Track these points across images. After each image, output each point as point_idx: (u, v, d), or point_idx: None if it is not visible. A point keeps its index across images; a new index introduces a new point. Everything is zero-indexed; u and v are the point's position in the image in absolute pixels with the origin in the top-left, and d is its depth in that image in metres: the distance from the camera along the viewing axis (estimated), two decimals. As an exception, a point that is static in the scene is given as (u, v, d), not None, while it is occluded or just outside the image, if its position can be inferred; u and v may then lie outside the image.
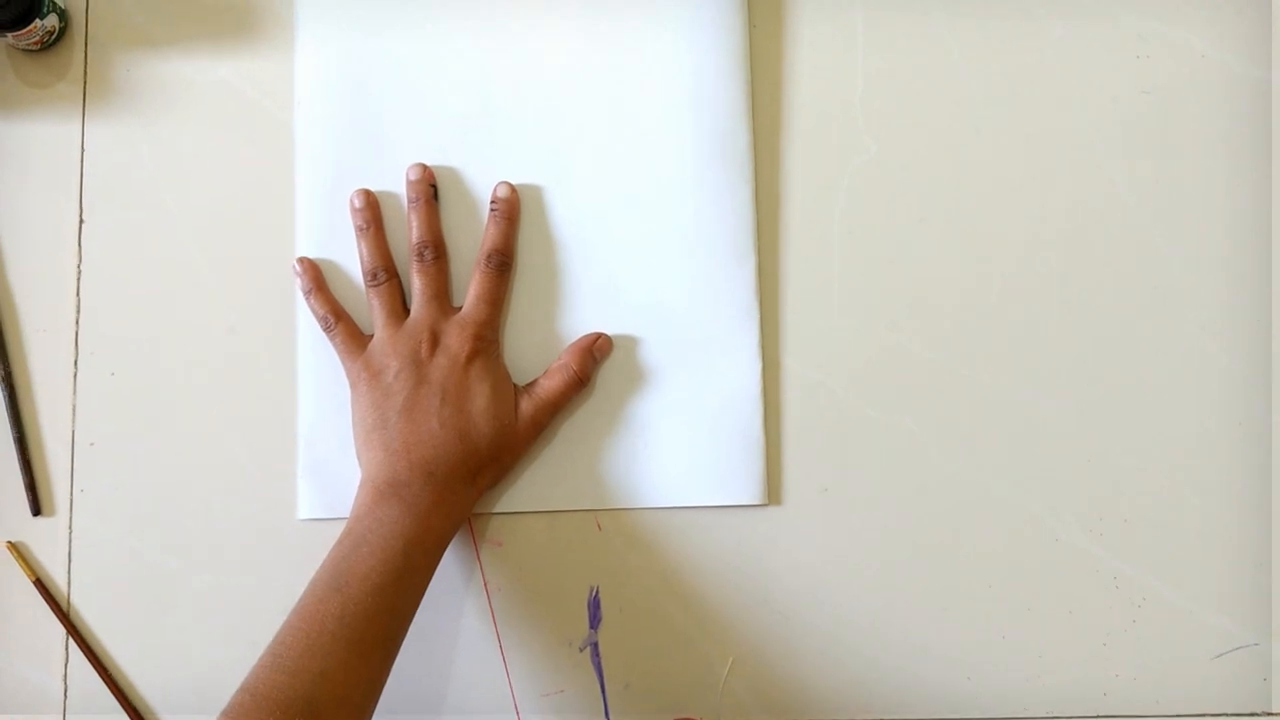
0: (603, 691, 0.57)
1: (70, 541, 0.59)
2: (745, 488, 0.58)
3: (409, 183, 0.59)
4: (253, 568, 0.58)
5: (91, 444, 0.59)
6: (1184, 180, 0.59)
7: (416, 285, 0.57)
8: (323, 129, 0.60)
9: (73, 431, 0.60)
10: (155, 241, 0.60)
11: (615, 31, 0.60)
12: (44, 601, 0.58)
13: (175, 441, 0.59)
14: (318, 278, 0.59)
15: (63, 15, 0.60)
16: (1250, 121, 0.60)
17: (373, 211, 0.59)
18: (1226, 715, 0.57)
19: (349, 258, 0.59)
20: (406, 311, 0.58)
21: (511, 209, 0.59)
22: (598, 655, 0.57)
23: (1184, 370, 0.58)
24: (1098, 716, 0.57)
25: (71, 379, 0.60)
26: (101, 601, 0.59)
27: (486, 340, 0.57)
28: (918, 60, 0.60)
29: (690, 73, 0.60)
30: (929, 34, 0.60)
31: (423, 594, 0.53)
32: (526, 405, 0.56)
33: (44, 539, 0.59)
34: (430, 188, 0.59)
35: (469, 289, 0.58)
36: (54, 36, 0.60)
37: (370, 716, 0.50)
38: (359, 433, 0.56)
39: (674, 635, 0.58)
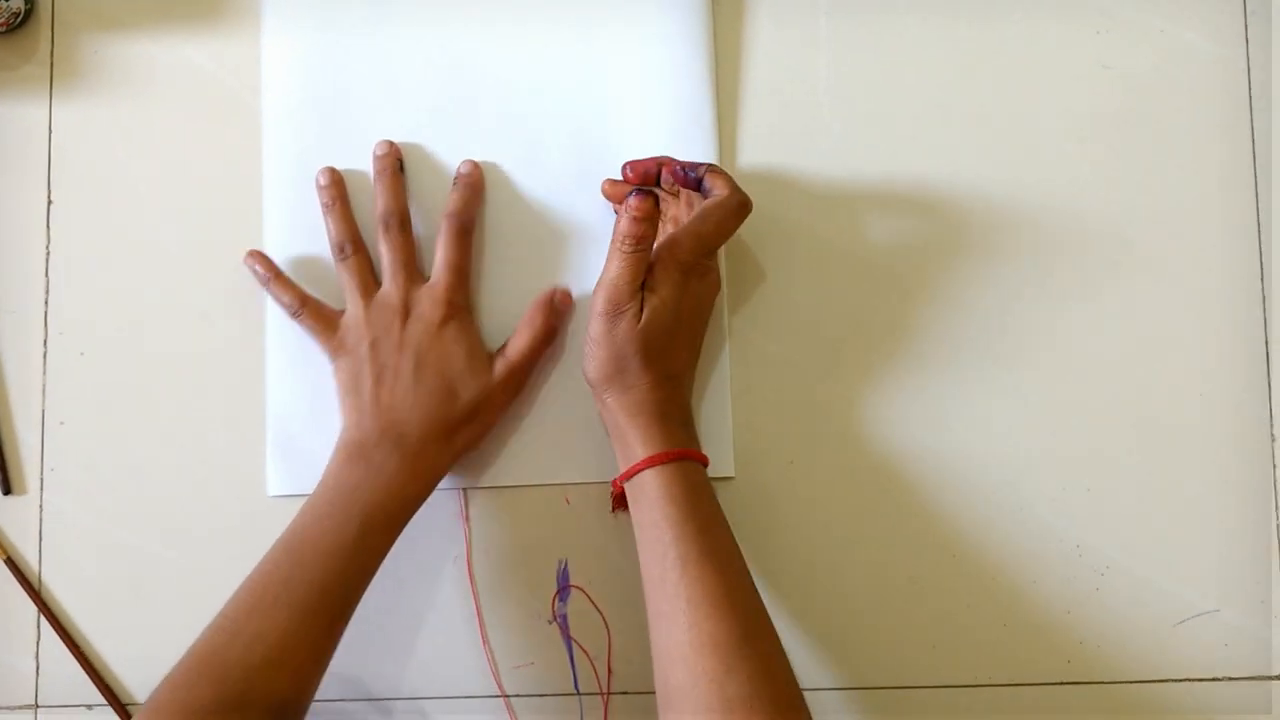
0: (571, 663, 0.58)
1: (41, 520, 0.59)
2: (715, 460, 0.58)
3: (375, 157, 0.59)
4: (223, 544, 0.59)
5: (61, 423, 0.60)
6: (1147, 156, 0.60)
7: (385, 256, 0.58)
8: (290, 110, 0.61)
9: (43, 411, 0.60)
10: (123, 222, 0.60)
11: (580, 15, 0.61)
12: (15, 580, 0.59)
13: (145, 420, 0.59)
14: (271, 266, 0.59)
15: (29, -3, 0.60)
16: (1211, 97, 0.60)
17: (338, 188, 0.59)
18: (1188, 680, 0.58)
19: (318, 237, 0.60)
20: (377, 284, 0.58)
21: (474, 182, 0.59)
22: (567, 627, 0.58)
23: (1145, 342, 0.59)
24: (1062, 683, 0.57)
25: (41, 359, 0.60)
26: (73, 580, 0.59)
27: (457, 305, 0.57)
28: (879, 43, 0.61)
29: (655, 53, 0.60)
30: (890, 14, 0.61)
31: (380, 560, 0.53)
32: (500, 365, 0.57)
33: (14, 518, 0.59)
34: (396, 161, 0.59)
35: (435, 258, 0.58)
36: (20, 19, 0.60)
37: (316, 683, 0.51)
38: (339, 398, 0.56)
39: (642, 607, 0.58)
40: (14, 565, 0.59)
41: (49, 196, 0.61)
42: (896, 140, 0.60)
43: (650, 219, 0.51)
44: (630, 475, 0.52)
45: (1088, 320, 0.59)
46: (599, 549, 0.58)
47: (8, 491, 0.59)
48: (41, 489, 0.59)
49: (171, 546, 0.59)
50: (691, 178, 0.55)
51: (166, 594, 0.59)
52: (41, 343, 0.60)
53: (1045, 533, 0.58)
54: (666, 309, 0.52)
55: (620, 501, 0.55)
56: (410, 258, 0.58)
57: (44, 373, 0.60)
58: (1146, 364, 0.59)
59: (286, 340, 0.59)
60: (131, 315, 0.60)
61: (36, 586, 0.59)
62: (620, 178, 0.58)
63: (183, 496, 0.59)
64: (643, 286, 0.52)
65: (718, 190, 0.54)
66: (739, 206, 0.54)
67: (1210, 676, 0.57)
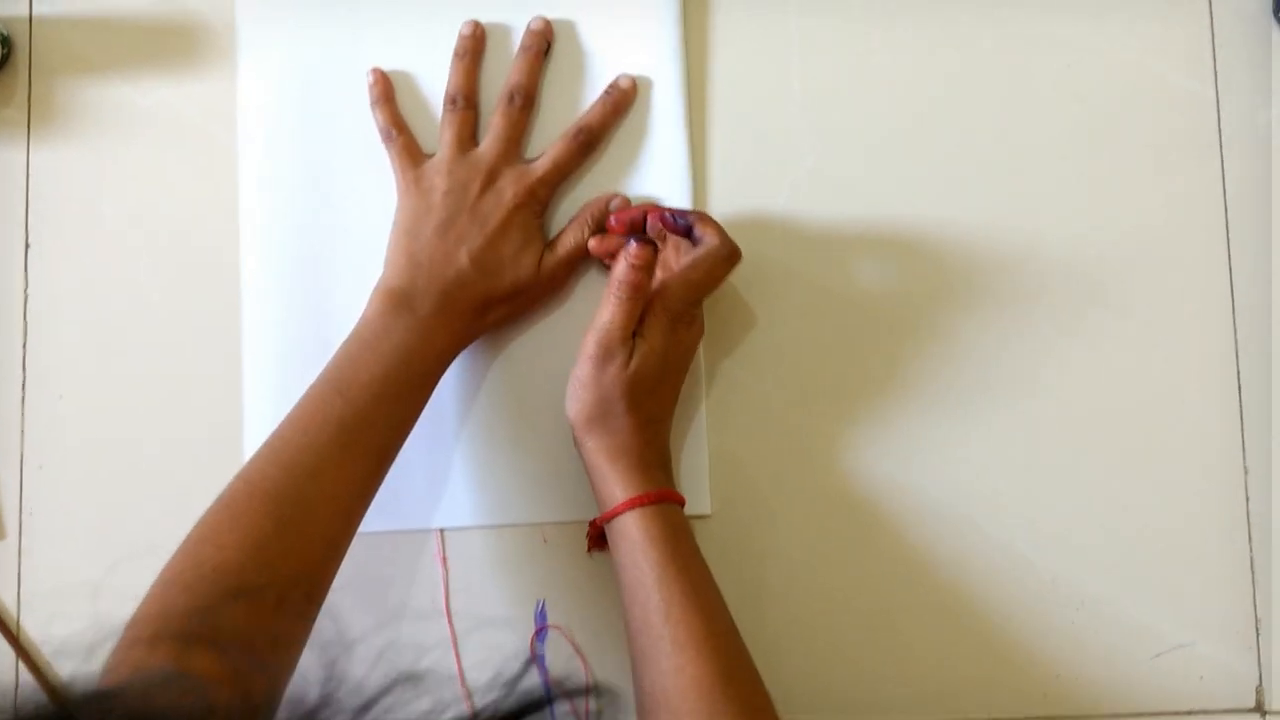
0: (549, 703, 0.58)
1: (20, 564, 0.59)
2: (691, 498, 0.58)
3: (527, 32, 0.60)
4: (203, 587, 0.59)
5: (40, 467, 0.60)
6: (1118, 189, 0.60)
7: (496, 124, 0.59)
8: (266, 150, 0.61)
9: (21, 454, 0.60)
10: (102, 265, 0.61)
11: (562, 53, 0.61)
12: (-6, 624, 0.59)
13: (124, 464, 0.60)
14: (387, 90, 0.60)
15: (5, 41, 0.61)
16: (1183, 130, 0.61)
17: (476, 43, 0.60)
18: (1165, 714, 0.58)
19: (296, 279, 0.60)
20: (474, 144, 0.59)
21: (621, 99, 0.60)
22: (545, 667, 0.58)
23: (1118, 376, 0.59)
24: (1039, 717, 0.58)
25: (20, 402, 0.60)
26: (49, 623, 0.59)
27: (537, 198, 0.58)
28: (852, 73, 0.61)
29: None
30: (863, 46, 0.61)
31: (421, 409, 0.54)
32: (549, 259, 0.58)
33: (-6, 562, 0.60)
34: (545, 42, 0.60)
35: (547, 150, 0.59)
36: (-3, 63, 0.61)
37: (359, 520, 0.51)
38: (391, 237, 0.57)
39: (622, 647, 0.58)
40: (-7, 609, 0.59)
41: (26, 240, 0.61)
42: (868, 179, 0.60)
43: (649, 268, 0.52)
44: (611, 517, 0.52)
45: (1062, 355, 0.59)
46: (577, 589, 0.58)
47: (-13, 535, 0.60)
48: (20, 533, 0.60)
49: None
50: (681, 225, 0.56)
51: (146, 637, 0.59)
52: (20, 386, 0.60)
53: (1022, 566, 0.58)
54: (655, 355, 0.53)
55: (597, 541, 0.56)
56: (519, 135, 0.59)
57: (22, 416, 0.60)
58: (1120, 398, 0.59)
59: (266, 384, 0.59)
60: (110, 358, 0.60)
61: (15, 631, 0.59)
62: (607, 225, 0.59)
63: (163, 540, 0.59)
64: (634, 333, 0.53)
65: (708, 239, 0.55)
66: (729, 255, 0.55)
67: (1187, 710, 0.58)
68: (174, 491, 0.59)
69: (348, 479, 0.51)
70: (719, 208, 0.60)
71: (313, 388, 0.52)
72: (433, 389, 0.55)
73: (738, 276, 0.60)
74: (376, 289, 0.56)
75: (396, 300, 0.55)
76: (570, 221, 0.59)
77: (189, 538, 0.48)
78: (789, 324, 0.60)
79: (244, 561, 0.47)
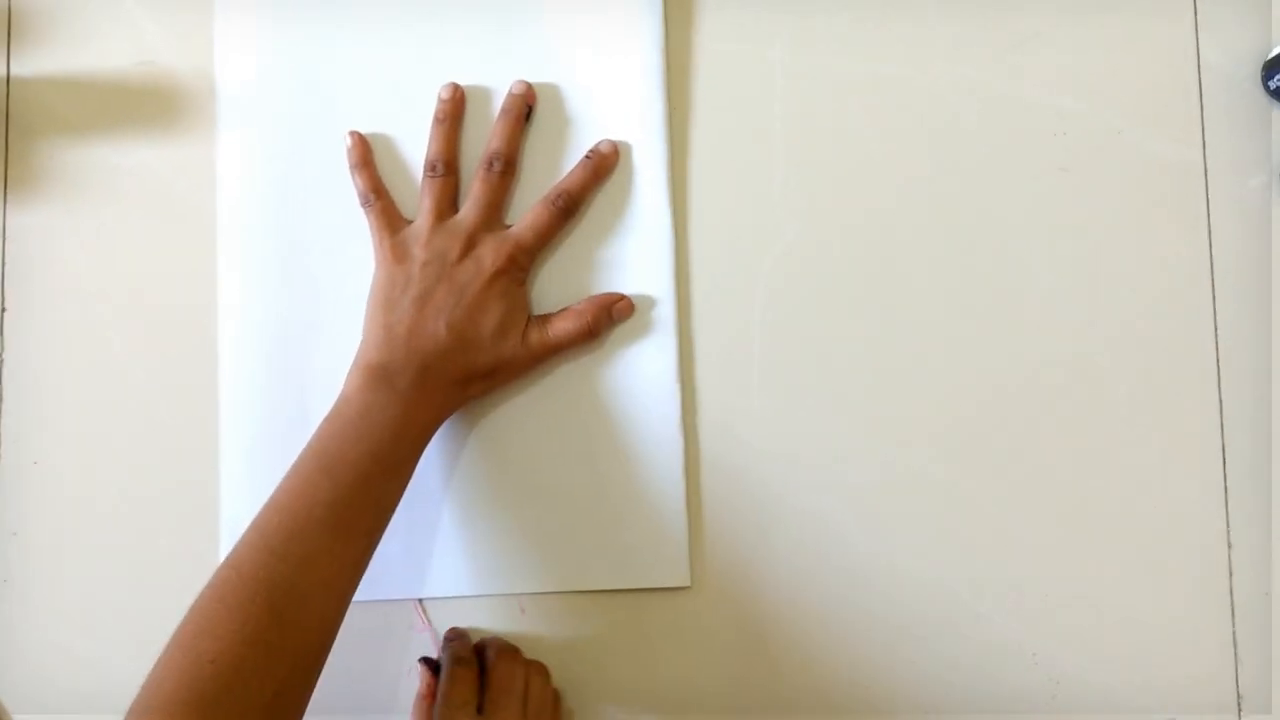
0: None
1: (-6, 632, 0.59)
2: (669, 570, 0.58)
3: (509, 96, 0.59)
4: (179, 654, 0.58)
5: (14, 534, 0.59)
6: (1104, 258, 0.60)
7: (475, 190, 0.58)
8: (245, 214, 0.60)
9: (-4, 521, 0.60)
10: (78, 329, 0.60)
11: (543, 118, 0.61)
12: (-32, 693, 0.59)
13: (99, 531, 0.59)
14: (365, 154, 0.60)
15: (-18, 104, 0.60)
16: (1170, 200, 0.60)
17: (456, 106, 0.60)
18: (1145, 791, 0.57)
19: (272, 345, 0.60)
20: (453, 211, 0.58)
21: (602, 163, 0.59)
22: (521, 741, 0.58)
23: (1101, 451, 0.59)
24: (1018, 794, 0.57)
25: (-5, 468, 0.60)
26: (24, 692, 0.59)
27: (519, 265, 0.57)
28: (836, 143, 0.60)
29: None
30: (847, 116, 0.60)
31: (407, 484, 0.54)
32: (535, 336, 0.57)
33: (-32, 629, 0.59)
34: (526, 106, 0.60)
35: (526, 215, 0.58)
36: (-27, 125, 0.60)
37: (349, 603, 0.51)
38: (369, 308, 0.57)
39: (600, 713, 0.58)
40: (-33, 677, 0.59)
41: (3, 303, 0.61)
42: (850, 252, 0.60)
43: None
44: None
45: (1042, 427, 0.59)
46: (555, 659, 0.58)
47: (-39, 603, 0.59)
48: (-5, 600, 0.59)
49: (129, 658, 0.59)
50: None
51: (121, 708, 0.58)
52: (-5, 452, 0.60)
53: (1000, 642, 0.58)
54: None
55: None
56: (499, 201, 0.59)
57: (-3, 482, 0.60)
58: (1102, 473, 0.59)
59: (243, 451, 0.59)
60: (86, 424, 0.60)
61: (-11, 700, 0.59)
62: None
63: (137, 607, 0.59)
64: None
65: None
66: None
67: (1167, 788, 0.57)
68: (151, 560, 0.59)
69: (340, 565, 0.50)
70: (699, 275, 0.60)
71: (297, 468, 0.52)
72: (417, 462, 0.55)
73: (717, 341, 0.59)
74: (355, 363, 0.55)
75: (376, 375, 0.54)
76: (568, 310, 0.58)
77: (184, 630, 0.47)
78: (768, 393, 0.59)
79: (243, 654, 0.46)
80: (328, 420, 0.53)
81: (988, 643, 0.58)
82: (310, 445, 0.52)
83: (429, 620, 0.59)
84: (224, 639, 0.46)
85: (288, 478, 0.52)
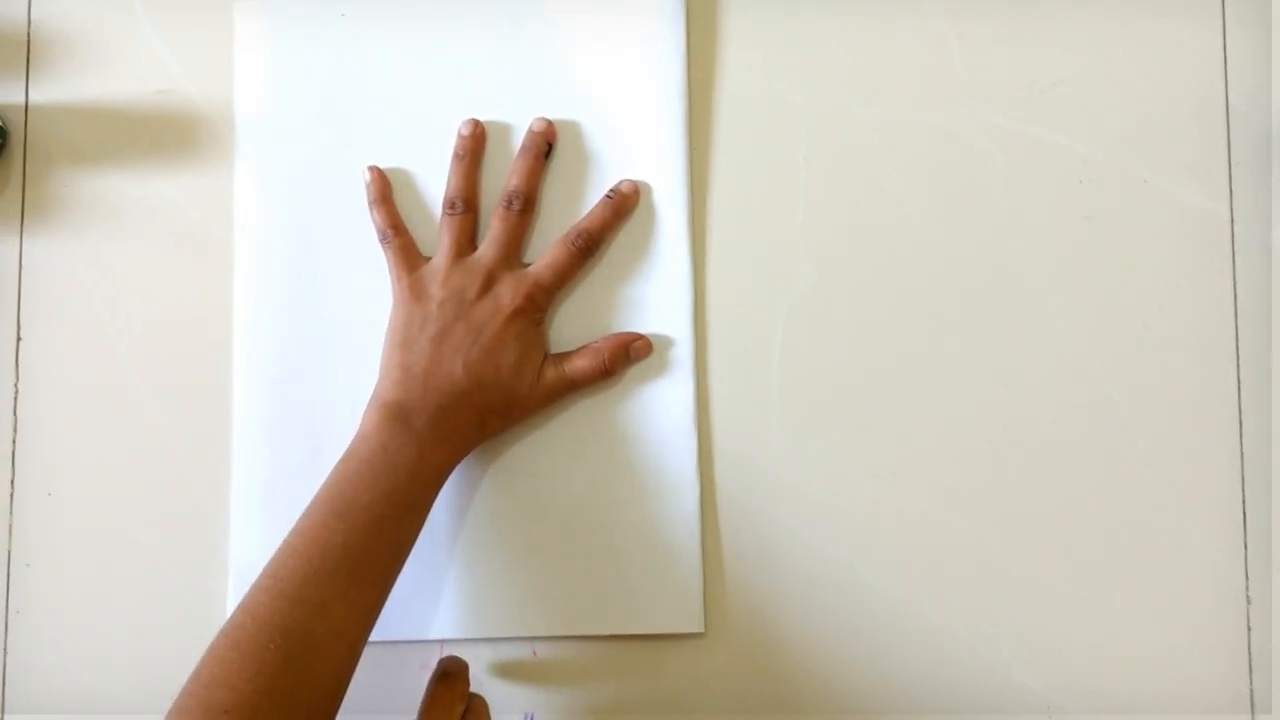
0: (535, 822, 0.57)
1: (5, 664, 0.59)
2: (683, 616, 0.58)
3: (529, 133, 0.59)
4: (189, 688, 0.58)
5: (28, 565, 0.59)
6: (1124, 308, 0.59)
7: (494, 228, 0.58)
8: (262, 247, 0.60)
9: (9, 552, 0.59)
10: (93, 360, 0.60)
11: (563, 155, 0.60)
12: (-22, 724, 0.59)
13: (112, 563, 0.59)
14: (384, 189, 0.59)
15: (1, 133, 0.60)
16: (1195, 251, 0.59)
17: (476, 143, 0.59)
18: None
19: (289, 377, 0.59)
20: (472, 249, 0.58)
21: (622, 204, 0.59)
22: (531, 785, 0.58)
23: (1121, 500, 0.58)
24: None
25: (8, 499, 0.60)
26: (36, 728, 0.59)
27: (537, 304, 0.57)
28: (858, 187, 0.60)
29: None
30: (870, 160, 0.60)
31: (421, 527, 0.54)
32: (551, 374, 0.57)
33: (-21, 660, 0.59)
34: (546, 144, 0.59)
35: (545, 254, 0.58)
36: (-9, 154, 0.60)
37: (363, 647, 0.51)
38: (386, 346, 0.56)
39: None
40: (-22, 708, 0.59)
41: (18, 333, 0.60)
42: (871, 298, 0.59)
43: None
44: None
45: (1064, 471, 0.58)
46: (567, 703, 0.58)
47: (-28, 634, 0.59)
48: (6, 632, 0.59)
49: (136, 692, 0.59)
50: None
51: (130, 742, 0.58)
52: (9, 482, 0.60)
53: (1017, 694, 0.57)
54: None
55: None
56: (518, 240, 0.58)
57: (10, 513, 0.60)
58: (1123, 524, 0.58)
59: (255, 486, 0.59)
60: (100, 456, 0.60)
61: (0, 732, 0.59)
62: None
63: (148, 640, 0.59)
64: None
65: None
66: None
67: (1180, 844, 0.57)
68: (163, 592, 0.59)
69: (354, 612, 0.50)
70: (717, 316, 0.59)
71: (312, 510, 0.51)
72: (432, 505, 0.54)
73: (734, 383, 0.59)
74: (372, 402, 0.55)
75: (393, 415, 0.54)
76: (585, 348, 0.58)
77: (199, 677, 0.47)
78: (785, 436, 0.59)
79: (258, 704, 0.46)
80: (343, 461, 0.53)
81: (1004, 696, 0.57)
82: (325, 487, 0.52)
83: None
84: (239, 689, 0.46)
85: (302, 520, 0.51)
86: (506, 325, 0.56)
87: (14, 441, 0.60)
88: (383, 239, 0.59)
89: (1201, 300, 0.59)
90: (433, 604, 0.58)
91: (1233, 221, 0.60)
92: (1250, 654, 0.58)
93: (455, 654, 0.56)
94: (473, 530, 0.58)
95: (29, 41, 0.61)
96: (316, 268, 0.60)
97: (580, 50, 0.60)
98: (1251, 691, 0.58)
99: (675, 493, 0.58)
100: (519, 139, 0.60)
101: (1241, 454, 0.59)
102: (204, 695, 0.46)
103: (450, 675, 0.53)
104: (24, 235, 0.61)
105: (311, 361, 0.60)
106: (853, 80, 0.60)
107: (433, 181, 0.60)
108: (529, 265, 0.58)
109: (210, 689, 0.46)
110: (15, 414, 0.60)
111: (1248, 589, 0.58)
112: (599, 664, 0.58)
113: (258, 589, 0.49)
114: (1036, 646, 0.58)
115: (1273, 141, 0.60)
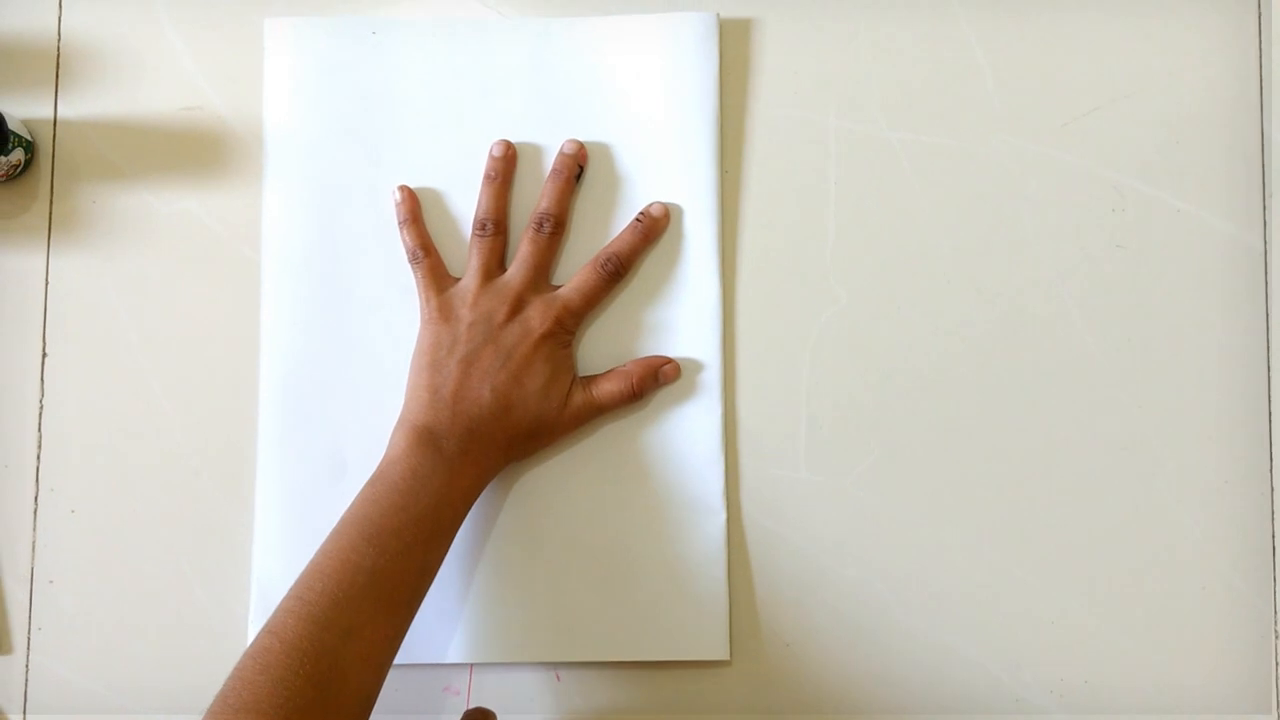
0: None
1: (27, 680, 0.59)
2: (708, 643, 0.57)
3: (560, 155, 0.59)
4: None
5: (50, 581, 0.59)
6: (1153, 336, 0.59)
7: (523, 251, 0.58)
8: (289, 264, 0.60)
9: (32, 569, 0.59)
10: (119, 377, 0.60)
11: (594, 177, 0.60)
12: (-1, 742, 0.58)
13: (134, 581, 0.59)
14: (414, 209, 0.59)
15: (29, 148, 0.59)
16: (1224, 278, 0.59)
17: (508, 165, 0.59)
18: None
19: (314, 396, 0.59)
20: (501, 270, 0.58)
21: (652, 227, 0.59)
22: (554, 811, 0.57)
23: (1149, 530, 0.58)
24: None
25: (32, 515, 0.59)
26: (56, 747, 0.58)
27: (566, 327, 0.57)
28: (889, 212, 0.59)
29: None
30: (901, 186, 0.60)
31: (447, 551, 0.53)
32: (579, 397, 0.57)
33: (1, 677, 0.59)
34: (578, 166, 0.59)
35: (574, 277, 0.58)
36: (20, 169, 0.60)
37: (388, 671, 0.50)
38: (413, 367, 0.56)
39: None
40: (-2, 726, 0.58)
41: (44, 349, 0.60)
42: (901, 322, 0.59)
43: None
44: None
45: (1091, 507, 0.58)
46: (589, 730, 0.57)
47: (-6, 650, 0.59)
48: (28, 648, 0.59)
49: (156, 710, 0.58)
50: None
51: (151, 762, 0.58)
52: (33, 499, 0.59)
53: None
54: None
55: None
56: (547, 263, 0.58)
57: (34, 529, 0.59)
58: (1152, 554, 0.58)
59: (277, 505, 0.59)
60: (123, 473, 0.59)
61: (20, 750, 0.58)
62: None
63: (170, 657, 0.58)
64: None
65: None
66: None
67: None
68: (186, 609, 0.59)
69: (381, 636, 0.49)
70: (746, 341, 0.59)
71: (340, 532, 0.51)
72: (458, 529, 0.54)
73: (762, 408, 0.58)
74: (400, 425, 0.55)
75: (422, 438, 0.53)
76: (613, 371, 0.58)
77: (225, 701, 0.46)
78: (813, 462, 0.58)
79: None
80: (372, 484, 0.53)
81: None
82: (353, 509, 0.52)
83: (469, 688, 0.58)
84: (267, 714, 0.45)
85: (330, 542, 0.51)
86: (535, 348, 0.56)
87: (38, 458, 0.60)
88: (412, 259, 0.58)
89: (1233, 329, 0.59)
90: (456, 628, 0.58)
91: (1266, 251, 0.59)
92: (1276, 599, 0.57)
93: (483, 706, 0.56)
94: (497, 554, 0.58)
95: (58, 56, 0.61)
96: (343, 286, 0.60)
97: (612, 72, 0.60)
98: (1276, 636, 0.57)
99: (702, 518, 0.58)
100: (550, 161, 0.59)
101: (1271, 481, 0.58)
102: (231, 719, 0.46)
103: None
104: (51, 250, 0.60)
105: (337, 380, 0.59)
106: (884, 105, 0.60)
107: (462, 202, 0.60)
108: (558, 288, 0.58)
109: (239, 714, 0.46)
110: (40, 430, 0.60)
111: (1277, 624, 0.58)
112: (623, 690, 0.58)
113: (285, 611, 0.49)
114: (1061, 671, 0.57)
115: (1307, 172, 0.59)
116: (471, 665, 0.58)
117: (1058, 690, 0.57)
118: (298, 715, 0.46)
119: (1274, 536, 0.58)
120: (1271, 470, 0.58)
